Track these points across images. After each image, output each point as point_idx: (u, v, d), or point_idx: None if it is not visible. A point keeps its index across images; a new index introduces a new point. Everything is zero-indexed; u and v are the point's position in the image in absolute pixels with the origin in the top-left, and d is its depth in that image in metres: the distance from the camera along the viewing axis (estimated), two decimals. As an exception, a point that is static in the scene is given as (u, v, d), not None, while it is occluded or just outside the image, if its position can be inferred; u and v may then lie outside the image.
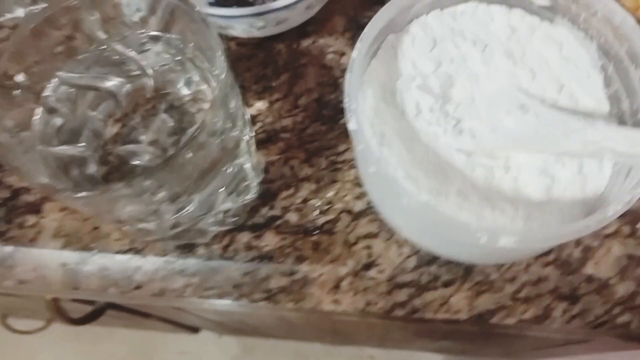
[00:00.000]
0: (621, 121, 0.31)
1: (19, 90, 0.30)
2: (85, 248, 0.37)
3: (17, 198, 0.39)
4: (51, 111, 0.32)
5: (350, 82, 0.30)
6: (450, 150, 0.32)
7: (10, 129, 0.29)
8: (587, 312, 0.33)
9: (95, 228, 0.37)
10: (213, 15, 0.34)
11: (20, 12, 0.47)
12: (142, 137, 0.32)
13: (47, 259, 0.37)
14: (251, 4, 0.40)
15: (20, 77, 0.30)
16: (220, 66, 0.25)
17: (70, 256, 0.37)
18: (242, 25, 0.35)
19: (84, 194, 0.24)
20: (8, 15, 0.47)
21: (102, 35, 0.31)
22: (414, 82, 0.33)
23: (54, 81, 0.32)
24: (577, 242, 0.34)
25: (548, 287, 0.34)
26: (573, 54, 0.34)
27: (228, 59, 0.27)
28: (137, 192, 0.26)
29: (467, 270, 0.34)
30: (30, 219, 0.38)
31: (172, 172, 0.26)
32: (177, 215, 0.29)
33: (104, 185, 0.28)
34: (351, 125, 0.29)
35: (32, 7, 0.47)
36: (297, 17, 0.37)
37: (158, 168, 0.25)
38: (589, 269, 0.34)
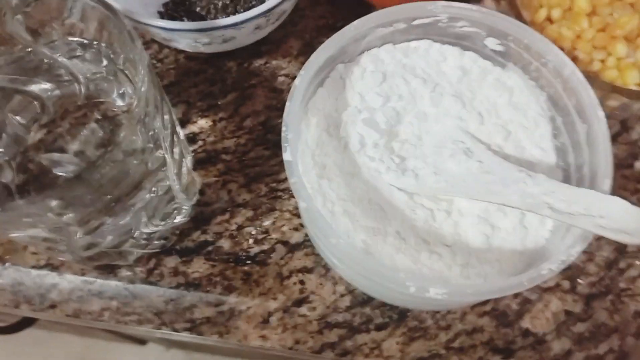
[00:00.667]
0: (566, 174, 0.30)
1: None
2: (-2, 261, 0.34)
3: None
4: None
5: (289, 111, 0.29)
6: (391, 188, 0.30)
7: None
8: (520, 366, 0.32)
9: (11, 242, 0.34)
10: (155, 27, 0.32)
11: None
12: (68, 146, 0.30)
13: (-45, 270, 0.34)
14: (202, 18, 0.38)
15: None
16: (141, 82, 0.24)
17: (-20, 269, 0.34)
18: (186, 39, 0.34)
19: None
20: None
21: (27, 37, 0.29)
22: (360, 116, 0.32)
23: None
24: (516, 294, 0.33)
25: (483, 339, 0.32)
26: (523, 102, 0.33)
27: (152, 75, 0.25)
28: (39, 211, 0.23)
29: (402, 314, 0.33)
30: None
31: (80, 191, 0.23)
32: (88, 236, 0.27)
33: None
34: (286, 156, 0.27)
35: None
36: (245, 37, 0.35)
37: (65, 185, 0.23)
38: (526, 322, 0.33)
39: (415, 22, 0.33)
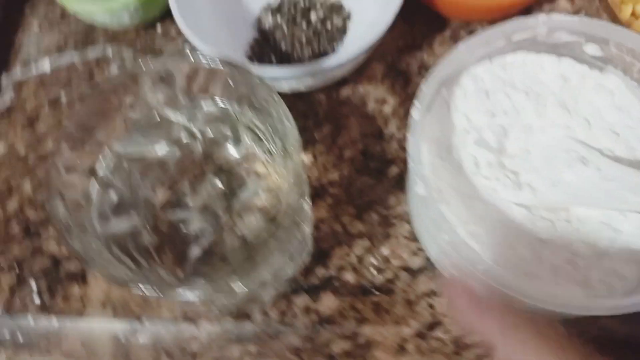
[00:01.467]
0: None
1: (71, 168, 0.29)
2: (135, 317, 0.35)
3: (58, 267, 0.37)
4: (106, 185, 0.31)
5: (413, 145, 0.29)
6: (510, 205, 0.31)
7: (69, 205, 0.28)
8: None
9: (145, 299, 0.36)
10: (271, 77, 0.33)
11: (46, 66, 0.46)
12: (191, 203, 0.31)
13: (96, 330, 0.35)
14: (288, 56, 0.39)
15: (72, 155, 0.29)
16: (294, 147, 0.25)
17: (120, 327, 0.35)
18: (292, 81, 0.34)
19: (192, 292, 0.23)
20: (34, 71, 0.45)
21: (154, 100, 0.30)
22: (470, 136, 0.32)
23: (106, 153, 0.31)
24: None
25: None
26: (626, 103, 0.33)
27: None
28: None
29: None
30: (75, 290, 0.36)
31: (252, 263, 0.25)
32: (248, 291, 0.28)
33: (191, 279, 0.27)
34: (420, 190, 0.28)
35: (56, 57, 0.46)
36: (345, 72, 0.36)
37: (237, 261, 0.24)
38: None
39: (515, 38, 0.33)
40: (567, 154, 0.32)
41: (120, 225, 0.30)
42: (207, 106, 0.32)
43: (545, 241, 0.30)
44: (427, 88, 0.31)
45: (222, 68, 0.28)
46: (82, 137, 0.29)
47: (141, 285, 0.24)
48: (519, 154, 0.32)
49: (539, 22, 0.32)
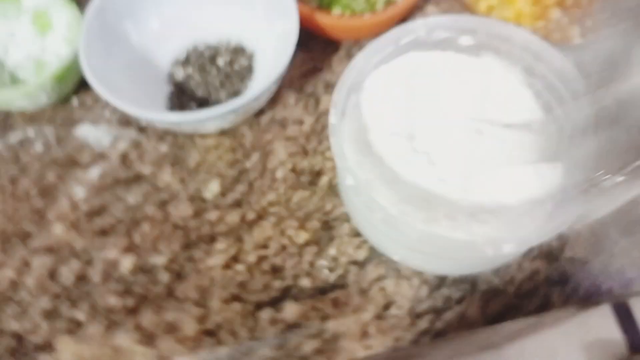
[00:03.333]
0: (558, 125, 0.37)
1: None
2: (111, 373, 0.36)
3: (23, 342, 0.38)
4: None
5: (336, 145, 0.34)
6: (429, 180, 0.36)
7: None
8: (577, 289, 0.38)
9: (116, 351, 0.37)
10: (191, 122, 0.36)
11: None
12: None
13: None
14: (206, 101, 0.43)
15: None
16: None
17: (97, 385, 0.36)
18: (211, 122, 0.38)
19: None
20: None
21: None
22: (383, 131, 0.37)
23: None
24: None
25: (540, 278, 0.38)
26: (501, 77, 0.39)
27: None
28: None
29: (473, 283, 0.38)
30: (46, 359, 0.37)
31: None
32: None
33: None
34: (349, 182, 0.32)
35: None
36: (256, 106, 0.40)
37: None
38: (569, 251, 0.39)
39: (402, 42, 0.38)
40: (465, 130, 0.38)
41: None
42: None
43: (464, 208, 0.35)
44: (337, 95, 0.36)
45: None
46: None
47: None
48: (426, 138, 0.37)
49: (419, 26, 0.38)
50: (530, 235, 0.32)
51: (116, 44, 0.42)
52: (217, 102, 0.43)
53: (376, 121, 0.38)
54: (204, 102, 0.43)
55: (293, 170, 0.42)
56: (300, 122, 0.45)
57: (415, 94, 0.39)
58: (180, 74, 0.44)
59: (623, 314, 0.41)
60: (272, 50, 0.43)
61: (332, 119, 0.34)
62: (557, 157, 0.36)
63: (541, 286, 0.38)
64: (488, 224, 0.34)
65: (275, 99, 0.45)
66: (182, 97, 0.43)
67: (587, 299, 0.38)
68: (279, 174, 0.42)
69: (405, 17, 0.48)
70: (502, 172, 0.36)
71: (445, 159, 0.36)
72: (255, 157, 0.43)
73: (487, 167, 0.36)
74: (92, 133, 0.45)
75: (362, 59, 0.37)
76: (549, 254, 0.39)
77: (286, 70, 0.39)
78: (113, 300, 0.38)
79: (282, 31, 0.41)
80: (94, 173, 0.43)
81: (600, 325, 0.41)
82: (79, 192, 0.42)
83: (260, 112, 0.45)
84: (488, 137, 0.37)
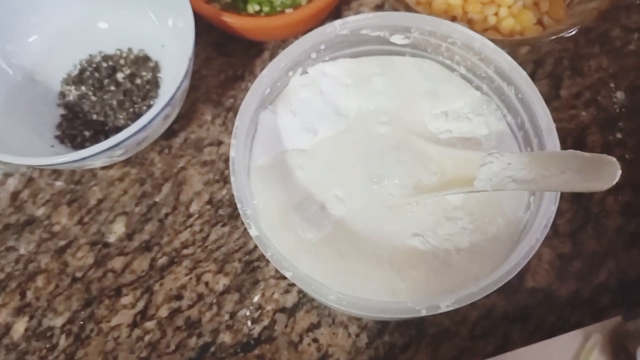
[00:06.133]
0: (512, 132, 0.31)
1: None
2: None
3: None
4: None
5: (238, 186, 0.27)
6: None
7: None
8: (542, 324, 0.33)
9: None
10: (63, 163, 0.30)
11: None
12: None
13: None
14: (102, 124, 0.36)
15: None
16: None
17: None
18: (102, 159, 0.32)
19: None
20: None
21: None
22: (302, 150, 0.31)
23: None
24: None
25: (499, 315, 0.33)
26: (442, 79, 0.33)
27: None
28: None
29: (419, 327, 0.33)
30: None
31: None
32: None
33: None
34: (253, 232, 0.26)
35: None
36: (157, 130, 0.34)
37: None
38: (529, 281, 0.34)
39: (322, 47, 0.32)
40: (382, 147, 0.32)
41: None
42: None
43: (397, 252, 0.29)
44: (241, 121, 0.29)
45: None
46: None
47: None
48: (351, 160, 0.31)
49: (337, 27, 0.31)
50: (471, 290, 0.26)
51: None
52: (115, 126, 0.36)
53: (293, 142, 0.31)
54: (98, 129, 0.36)
55: (210, 202, 0.36)
56: (219, 143, 0.38)
57: (337, 104, 0.33)
58: (72, 94, 0.37)
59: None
60: (176, 59, 0.36)
61: (232, 152, 0.28)
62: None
63: (500, 324, 0.33)
64: (419, 273, 0.29)
65: (189, 117, 0.39)
66: (73, 122, 0.36)
67: (554, 334, 0.33)
68: (194, 207, 0.36)
69: (331, 13, 0.41)
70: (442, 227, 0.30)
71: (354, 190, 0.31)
72: (166, 188, 0.37)
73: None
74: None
75: (271, 71, 0.31)
76: (508, 286, 0.33)
77: (187, 74, 0.32)
78: (3, 374, 0.33)
79: (181, 29, 0.34)
80: (-21, 219, 0.37)
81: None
82: (-38, 243, 0.36)
83: (171, 133, 0.38)
84: (405, 151, 0.31)
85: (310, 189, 0.30)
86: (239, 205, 0.26)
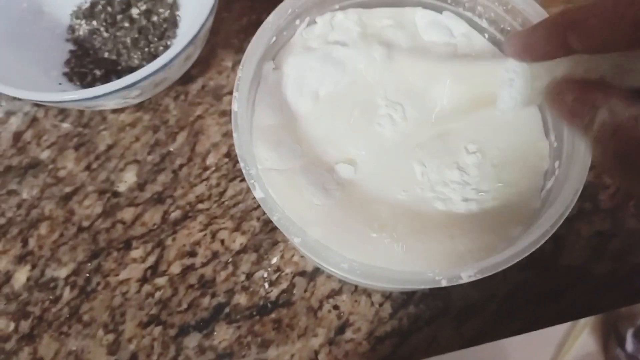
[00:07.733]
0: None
1: None
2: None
3: None
4: None
5: (240, 143, 0.25)
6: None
7: None
8: (574, 303, 0.31)
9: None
10: (72, 101, 0.27)
11: None
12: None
13: None
14: (115, 63, 0.33)
15: None
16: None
17: None
18: (115, 99, 0.29)
19: None
20: None
21: None
22: (312, 115, 0.29)
23: None
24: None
25: (530, 292, 0.31)
26: (465, 33, 0.31)
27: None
28: None
29: (446, 299, 0.31)
30: None
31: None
32: None
33: None
34: (258, 194, 0.24)
35: None
36: (176, 73, 0.31)
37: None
38: (565, 259, 0.32)
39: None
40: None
41: None
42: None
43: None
44: (245, 71, 0.26)
45: None
46: None
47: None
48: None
49: None
50: (496, 260, 0.24)
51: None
52: (128, 66, 0.33)
53: (303, 104, 0.29)
54: (111, 67, 0.33)
55: (228, 155, 0.34)
56: (239, 92, 0.35)
57: (352, 57, 0.30)
58: (82, 29, 0.34)
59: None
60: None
61: (235, 105, 0.25)
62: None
63: (530, 301, 0.31)
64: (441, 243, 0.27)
65: (207, 62, 0.36)
66: (83, 59, 0.33)
67: (585, 314, 0.32)
68: (211, 159, 0.34)
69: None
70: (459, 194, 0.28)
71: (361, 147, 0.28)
72: (181, 138, 0.34)
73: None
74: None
75: (277, 17, 0.28)
76: (541, 260, 0.32)
77: (210, 18, 0.29)
78: (2, 324, 0.31)
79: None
80: (-22, 159, 0.34)
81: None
82: (-40, 183, 0.34)
83: (188, 79, 0.35)
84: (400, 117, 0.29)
85: (318, 151, 0.28)
86: (242, 164, 0.24)
